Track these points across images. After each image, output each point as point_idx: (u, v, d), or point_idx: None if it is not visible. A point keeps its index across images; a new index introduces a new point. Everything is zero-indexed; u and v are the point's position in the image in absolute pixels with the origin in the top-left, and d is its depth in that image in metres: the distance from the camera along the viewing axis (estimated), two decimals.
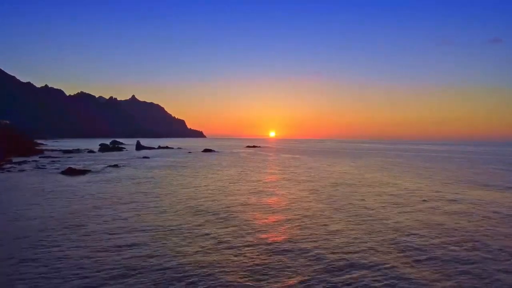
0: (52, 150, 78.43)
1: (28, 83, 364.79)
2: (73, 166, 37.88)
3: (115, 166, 41.04)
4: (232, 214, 16.52)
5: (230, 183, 28.28)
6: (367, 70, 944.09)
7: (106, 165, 41.92)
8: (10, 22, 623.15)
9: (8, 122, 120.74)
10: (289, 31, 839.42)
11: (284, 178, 32.44)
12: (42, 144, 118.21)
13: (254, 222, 15.17)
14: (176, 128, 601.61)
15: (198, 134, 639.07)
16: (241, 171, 37.92)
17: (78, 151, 76.70)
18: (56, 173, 33.65)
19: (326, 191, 24.24)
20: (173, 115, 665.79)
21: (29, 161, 45.96)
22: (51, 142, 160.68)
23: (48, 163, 44.26)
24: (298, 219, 15.78)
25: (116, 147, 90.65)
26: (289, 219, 15.71)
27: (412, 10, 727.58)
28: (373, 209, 18.01)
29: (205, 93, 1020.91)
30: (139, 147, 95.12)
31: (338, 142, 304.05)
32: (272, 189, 25.10)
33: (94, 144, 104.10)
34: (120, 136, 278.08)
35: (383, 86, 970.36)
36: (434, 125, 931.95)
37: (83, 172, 34.24)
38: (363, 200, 20.75)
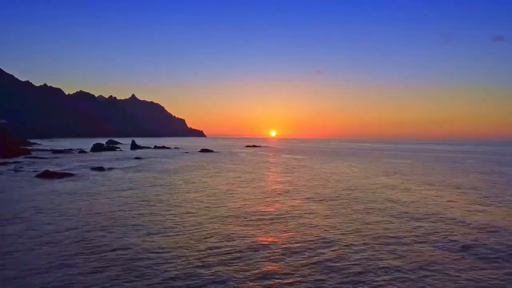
0: (42, 150, 75.27)
1: (27, 82, 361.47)
2: (53, 169, 34.84)
3: (100, 168, 37.80)
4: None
5: (215, 198, 24.97)
6: (369, 69, 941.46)
7: (90, 167, 38.75)
8: (9, 21, 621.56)
9: (5, 121, 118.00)
10: (291, 30, 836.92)
11: (287, 190, 29.10)
12: (36, 143, 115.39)
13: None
14: (176, 127, 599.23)
15: (199, 134, 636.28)
16: (236, 177, 34.71)
17: (69, 151, 73.54)
18: (31, 176, 30.41)
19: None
20: (173, 114, 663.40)
21: (9, 163, 42.79)
22: (47, 141, 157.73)
23: (28, 165, 41.05)
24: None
25: (110, 147, 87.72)
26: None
27: (414, 9, 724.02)
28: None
29: (205, 92, 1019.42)
30: (134, 146, 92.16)
31: (340, 141, 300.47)
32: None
33: (91, 143, 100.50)
34: (120, 135, 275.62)
35: (384, 85, 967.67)
36: (437, 124, 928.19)
37: (61, 175, 31.00)
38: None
